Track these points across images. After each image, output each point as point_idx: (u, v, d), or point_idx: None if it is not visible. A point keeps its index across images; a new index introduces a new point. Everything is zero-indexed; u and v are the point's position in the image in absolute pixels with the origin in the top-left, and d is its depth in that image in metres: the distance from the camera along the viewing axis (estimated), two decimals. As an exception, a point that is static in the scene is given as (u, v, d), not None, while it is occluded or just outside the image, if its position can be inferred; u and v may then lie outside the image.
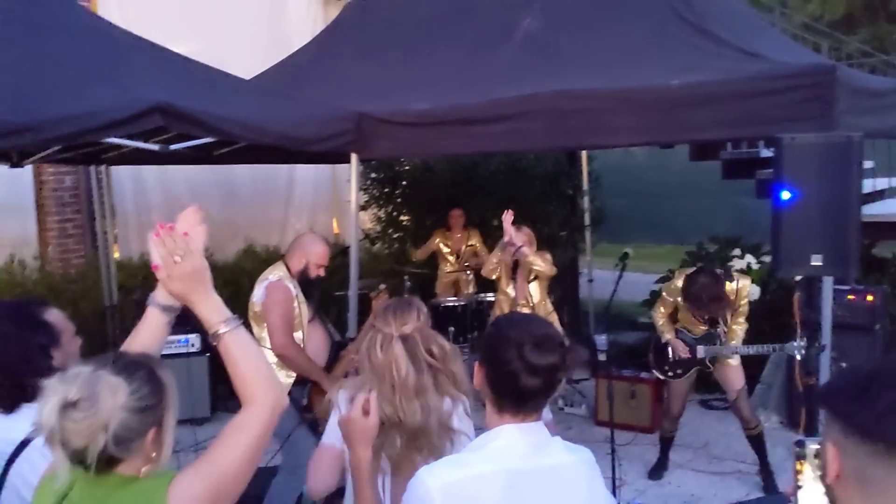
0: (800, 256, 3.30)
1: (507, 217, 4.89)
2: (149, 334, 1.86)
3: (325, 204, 9.27)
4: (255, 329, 4.06)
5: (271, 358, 3.97)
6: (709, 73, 4.16)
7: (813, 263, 3.26)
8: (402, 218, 8.89)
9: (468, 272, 7.36)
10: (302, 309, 4.06)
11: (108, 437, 1.51)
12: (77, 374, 1.54)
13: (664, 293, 5.12)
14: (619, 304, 8.82)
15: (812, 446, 1.34)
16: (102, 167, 6.13)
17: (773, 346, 4.61)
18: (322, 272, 4.18)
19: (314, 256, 4.12)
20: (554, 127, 4.41)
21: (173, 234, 1.73)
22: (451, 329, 6.83)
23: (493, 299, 6.18)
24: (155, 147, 4.01)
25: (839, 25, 18.51)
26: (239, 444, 1.66)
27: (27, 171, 6.60)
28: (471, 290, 7.34)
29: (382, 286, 5.20)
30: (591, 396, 6.51)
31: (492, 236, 7.09)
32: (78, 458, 1.52)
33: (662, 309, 5.05)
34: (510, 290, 5.08)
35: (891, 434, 1.15)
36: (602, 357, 4.47)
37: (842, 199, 3.25)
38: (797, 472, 1.37)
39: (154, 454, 1.62)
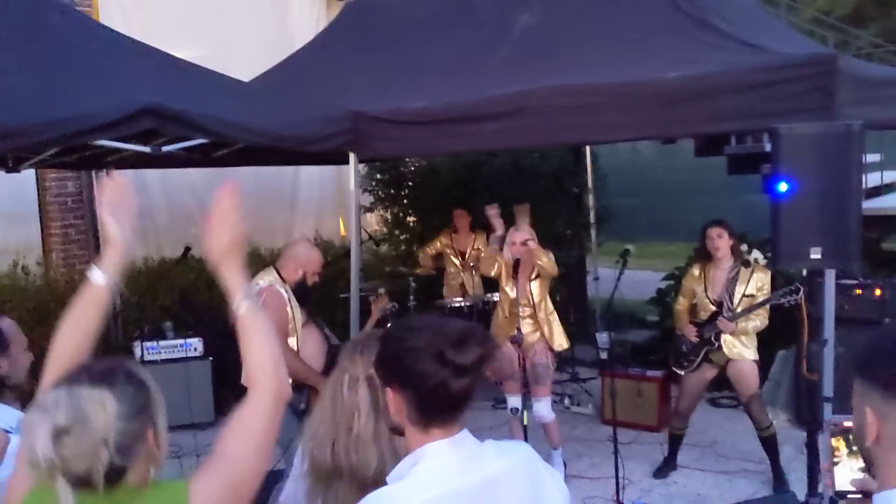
0: (799, 249, 3.23)
1: (492, 210, 4.88)
2: (89, 308, 1.82)
3: (330, 206, 9.25)
4: None
5: None
6: (708, 66, 4.09)
7: (812, 257, 3.19)
8: (408, 219, 8.86)
9: (474, 273, 7.31)
10: (295, 314, 4.02)
11: (110, 451, 1.46)
12: (56, 399, 1.47)
13: (683, 282, 5.23)
14: (628, 303, 8.79)
15: (848, 423, 1.37)
16: (105, 171, 6.13)
17: (767, 298, 4.67)
18: (318, 278, 4.14)
19: (312, 265, 4.10)
20: (551, 123, 4.34)
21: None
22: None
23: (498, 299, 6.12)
24: (146, 149, 3.99)
25: (849, 20, 18.33)
26: (246, 433, 1.65)
27: (30, 176, 6.62)
28: (477, 291, 7.29)
29: (381, 289, 5.17)
30: (597, 395, 6.44)
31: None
32: (83, 480, 1.46)
33: (681, 298, 5.18)
34: (510, 290, 5.02)
35: None
36: (604, 355, 4.41)
37: (842, 191, 3.18)
38: (834, 449, 1.40)
39: (156, 453, 1.59)
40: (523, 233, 4.98)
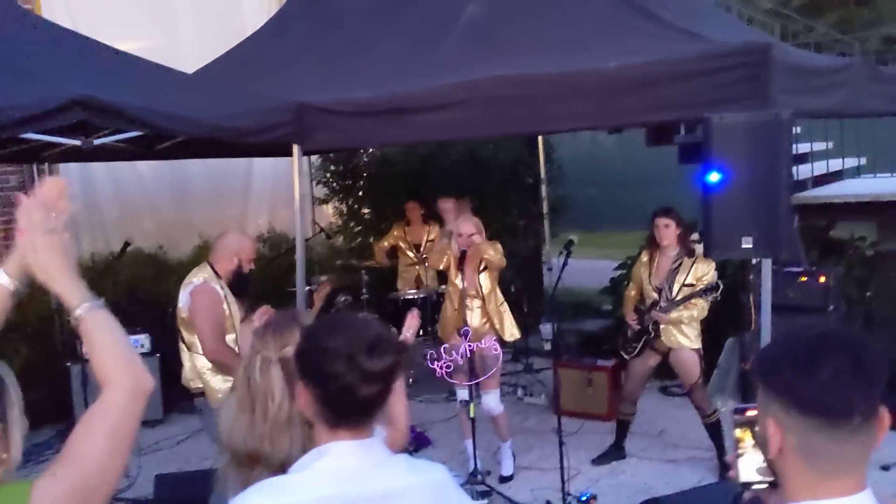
0: (731, 239, 3.24)
1: (446, 204, 4.83)
2: None
3: (285, 198, 9.09)
4: (186, 335, 3.93)
5: (206, 363, 3.87)
6: (648, 55, 4.08)
7: (744, 246, 3.21)
8: (363, 211, 8.80)
9: (428, 265, 7.28)
10: (232, 310, 3.94)
11: None
12: None
13: (633, 269, 5.32)
14: (585, 292, 8.82)
15: (751, 413, 1.32)
16: (47, 165, 6.00)
17: (691, 293, 4.75)
18: (252, 265, 4.08)
19: (245, 253, 4.03)
20: (495, 114, 4.32)
21: (43, 206, 1.65)
22: (411, 322, 6.76)
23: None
24: (76, 142, 3.89)
25: (807, 10, 18.53)
26: (98, 433, 1.53)
27: (-30, 171, 6.44)
28: (432, 283, 7.26)
29: (323, 278, 5.12)
30: (551, 386, 6.45)
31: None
32: None
33: (632, 284, 5.26)
34: (458, 282, 5.00)
35: (834, 407, 1.15)
36: (547, 346, 4.41)
37: (771, 180, 3.20)
38: (738, 440, 1.35)
39: (4, 455, 1.50)
40: (469, 225, 4.96)
